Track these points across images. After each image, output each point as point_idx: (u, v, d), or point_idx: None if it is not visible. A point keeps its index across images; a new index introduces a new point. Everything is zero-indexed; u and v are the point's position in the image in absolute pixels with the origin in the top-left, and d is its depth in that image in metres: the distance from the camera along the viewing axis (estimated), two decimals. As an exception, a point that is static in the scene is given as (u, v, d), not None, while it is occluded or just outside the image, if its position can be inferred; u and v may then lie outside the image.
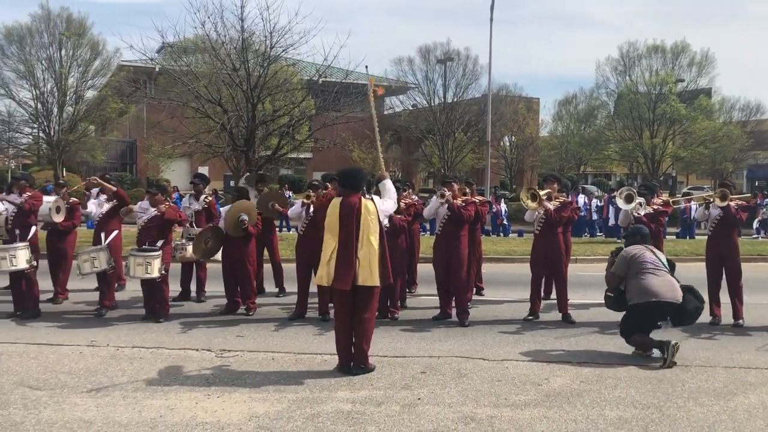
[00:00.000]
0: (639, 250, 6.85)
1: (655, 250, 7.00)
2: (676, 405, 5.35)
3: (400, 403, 5.32)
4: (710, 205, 8.72)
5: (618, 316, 7.07)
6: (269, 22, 17.23)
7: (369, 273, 6.05)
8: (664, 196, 10.05)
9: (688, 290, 6.79)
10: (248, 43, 17.86)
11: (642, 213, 8.27)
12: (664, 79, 39.10)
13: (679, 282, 6.77)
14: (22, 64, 31.52)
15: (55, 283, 9.54)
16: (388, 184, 6.66)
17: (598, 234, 22.71)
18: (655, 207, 8.46)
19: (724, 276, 8.62)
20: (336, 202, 6.24)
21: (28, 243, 8.50)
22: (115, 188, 9.17)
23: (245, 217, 8.67)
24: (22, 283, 8.49)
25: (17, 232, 8.59)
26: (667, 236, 16.02)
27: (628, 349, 7.03)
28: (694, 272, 12.27)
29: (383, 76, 39.94)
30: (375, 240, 6.11)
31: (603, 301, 7.29)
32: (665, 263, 6.90)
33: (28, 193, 8.91)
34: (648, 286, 6.58)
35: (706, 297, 8.74)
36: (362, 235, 6.07)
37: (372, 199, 6.27)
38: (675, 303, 6.61)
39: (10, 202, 8.84)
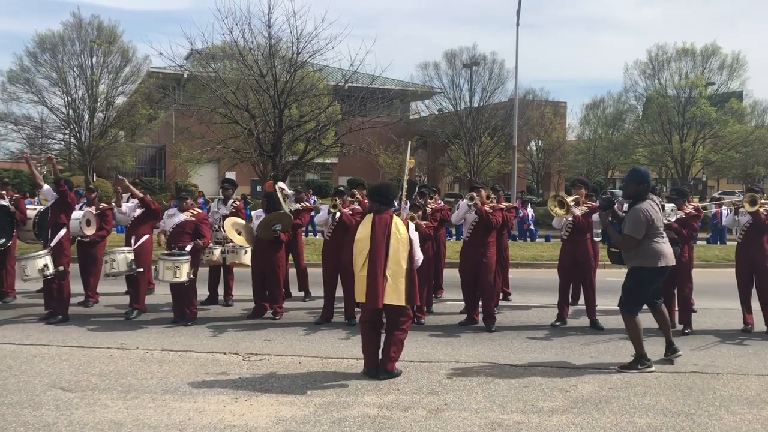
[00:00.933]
0: (654, 212, 6.46)
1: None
2: (708, 413, 5.26)
3: (427, 408, 5.31)
4: (739, 211, 8.57)
5: (646, 323, 6.97)
6: (296, 29, 17.41)
7: (396, 292, 6.05)
8: (695, 202, 9.88)
9: None
10: (275, 50, 18.03)
11: (673, 219, 8.12)
12: (694, 83, 38.52)
13: None
14: (55, 71, 32.15)
15: (86, 286, 9.69)
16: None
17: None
18: (686, 212, 8.31)
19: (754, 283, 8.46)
20: (368, 218, 6.26)
21: (47, 251, 8.52)
22: (142, 195, 9.25)
23: (279, 226, 8.77)
24: (52, 285, 8.64)
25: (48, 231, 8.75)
26: (697, 242, 15.79)
27: (659, 355, 6.93)
28: (725, 278, 12.08)
29: (408, 81, 40.14)
30: (404, 259, 6.11)
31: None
32: None
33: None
34: (661, 251, 6.46)
35: (737, 305, 8.63)
36: (391, 253, 6.08)
37: (406, 221, 6.35)
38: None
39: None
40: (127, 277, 8.97)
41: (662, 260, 6.39)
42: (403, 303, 6.10)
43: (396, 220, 6.21)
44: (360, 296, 6.17)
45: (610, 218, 6.76)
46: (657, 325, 6.96)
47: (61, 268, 8.55)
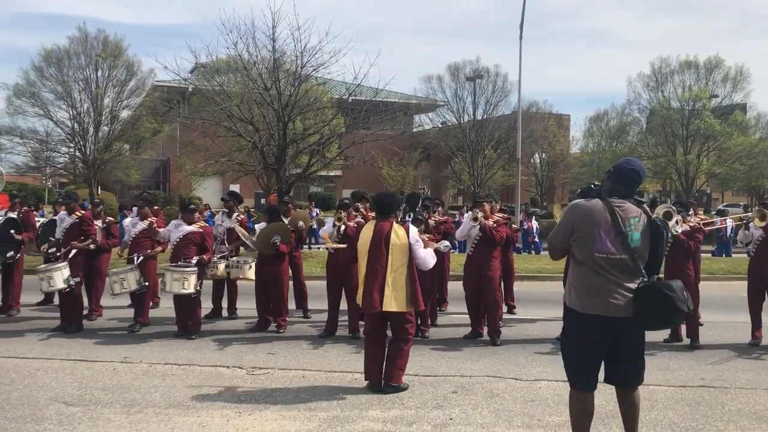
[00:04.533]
0: (588, 220, 4.31)
1: None
2: (716, 428, 5.21)
3: (432, 422, 5.26)
4: (749, 225, 8.52)
5: (652, 334, 6.91)
6: (300, 42, 17.46)
7: (396, 298, 6.04)
8: (701, 215, 9.83)
9: None
10: (280, 63, 18.09)
11: (680, 230, 8.08)
12: (698, 95, 38.49)
13: None
14: (60, 85, 32.31)
15: (90, 299, 9.68)
16: (431, 250, 6.52)
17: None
18: (691, 224, 8.27)
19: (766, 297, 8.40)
20: (369, 226, 6.28)
21: (67, 263, 8.69)
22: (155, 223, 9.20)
23: (278, 238, 8.75)
24: (66, 299, 8.72)
25: (61, 250, 8.90)
26: (702, 254, 15.73)
27: (666, 369, 6.88)
28: (731, 291, 11.99)
29: (412, 94, 40.23)
30: (404, 265, 6.11)
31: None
32: None
33: (79, 213, 9.20)
34: (592, 288, 4.85)
35: (743, 318, 8.57)
36: (391, 260, 6.08)
37: (406, 225, 6.30)
38: None
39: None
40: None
41: (586, 303, 4.20)
42: (404, 309, 6.09)
43: (395, 227, 6.19)
44: (359, 303, 6.21)
45: None
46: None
47: (78, 278, 8.76)
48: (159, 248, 9.12)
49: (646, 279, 4.16)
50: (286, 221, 9.75)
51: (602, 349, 4.24)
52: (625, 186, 4.27)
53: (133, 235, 9.24)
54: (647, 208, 4.28)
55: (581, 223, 4.24)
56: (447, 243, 7.59)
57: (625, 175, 4.28)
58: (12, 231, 9.87)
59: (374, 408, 5.62)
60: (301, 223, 9.62)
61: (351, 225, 8.75)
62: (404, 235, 6.18)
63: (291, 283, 10.31)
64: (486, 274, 8.36)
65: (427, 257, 6.31)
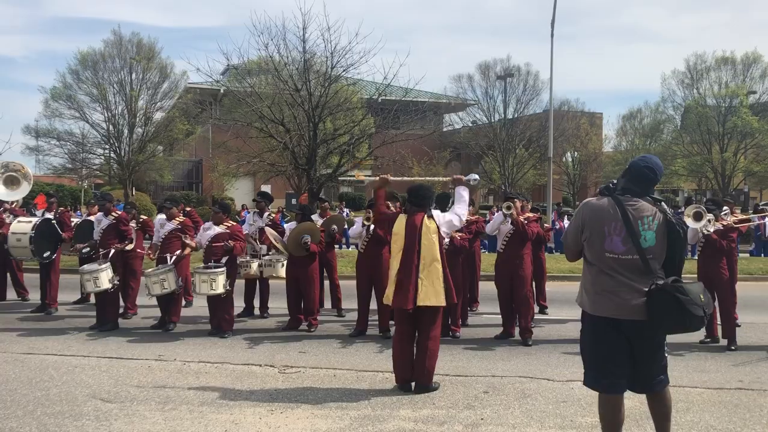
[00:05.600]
0: (597, 219, 4.23)
1: None
2: (754, 431, 5.09)
3: (463, 422, 5.24)
4: None
5: (688, 335, 6.79)
6: (330, 43, 17.55)
7: (432, 293, 6.02)
8: (738, 213, 9.62)
9: None
10: (310, 64, 18.20)
11: (711, 230, 7.93)
12: (735, 92, 37.71)
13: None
14: (96, 87, 32.96)
15: (125, 299, 9.84)
16: (461, 191, 6.50)
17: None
18: (724, 223, 8.10)
19: None
20: (402, 219, 6.26)
21: (110, 263, 8.87)
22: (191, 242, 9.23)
23: (308, 238, 8.80)
24: (105, 298, 8.93)
25: (101, 251, 9.12)
26: (740, 254, 15.41)
27: (703, 371, 6.76)
28: (771, 292, 11.70)
29: (442, 93, 40.11)
30: (438, 260, 6.09)
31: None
32: None
33: (116, 214, 9.40)
34: (602, 289, 4.39)
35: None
36: (424, 254, 6.06)
37: (433, 217, 6.25)
38: None
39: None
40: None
41: (597, 304, 4.13)
42: (440, 303, 6.07)
43: (426, 221, 6.15)
44: (389, 299, 6.16)
45: None
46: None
47: (119, 278, 9.00)
48: (188, 249, 9.21)
49: (660, 280, 3.99)
50: (320, 221, 9.84)
51: (619, 350, 4.10)
52: (639, 184, 4.13)
53: (163, 236, 9.30)
54: (665, 207, 4.11)
55: (591, 222, 4.14)
56: (476, 176, 7.27)
57: (639, 172, 4.14)
58: (55, 227, 10.11)
59: (405, 407, 5.62)
60: (334, 226, 9.70)
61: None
62: (435, 228, 6.16)
63: (326, 282, 10.38)
64: (518, 272, 8.31)
65: (457, 211, 6.38)
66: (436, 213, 6.35)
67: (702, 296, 3.97)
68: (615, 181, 4.29)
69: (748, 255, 20.31)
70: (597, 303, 4.12)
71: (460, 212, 6.43)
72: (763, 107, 39.12)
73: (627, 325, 4.04)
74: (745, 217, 9.62)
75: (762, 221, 19.85)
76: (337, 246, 11.71)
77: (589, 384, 4.27)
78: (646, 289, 3.98)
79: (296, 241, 8.84)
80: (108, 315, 8.97)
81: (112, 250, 9.07)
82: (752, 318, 9.63)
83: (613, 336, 4.08)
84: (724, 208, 8.69)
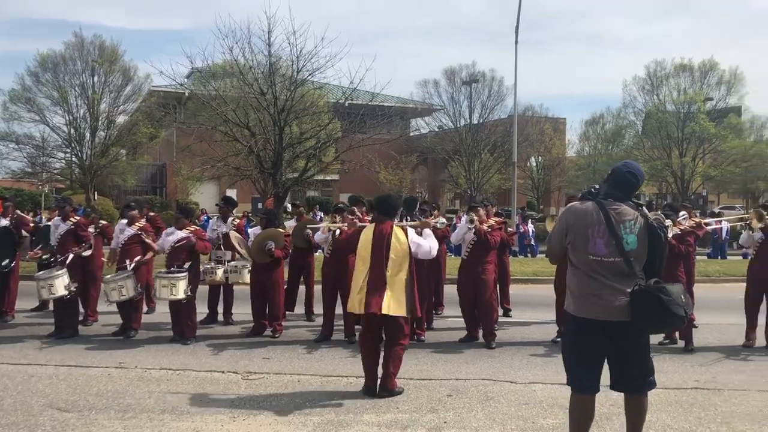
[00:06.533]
0: (580, 223, 4.31)
1: None
2: (709, 430, 5.22)
3: (426, 426, 5.27)
4: (752, 227, 8.53)
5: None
6: (296, 47, 17.54)
7: (397, 302, 6.04)
8: (695, 218, 9.85)
9: None
10: (275, 68, 18.15)
11: (670, 235, 8.11)
12: (693, 98, 38.65)
13: None
14: (56, 90, 32.32)
15: (85, 306, 9.66)
16: (428, 232, 6.56)
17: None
18: (682, 227, 8.30)
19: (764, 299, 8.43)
20: (370, 228, 6.27)
21: (66, 269, 8.65)
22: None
23: (272, 244, 8.76)
24: (63, 305, 8.71)
25: (58, 257, 8.86)
26: (698, 257, 15.78)
27: (661, 372, 6.86)
28: (726, 293, 12.04)
29: (408, 98, 40.29)
30: (404, 269, 6.11)
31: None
32: None
33: (74, 219, 9.16)
34: (585, 291, 4.50)
35: (738, 320, 8.59)
36: (391, 264, 6.07)
37: (404, 228, 6.28)
38: None
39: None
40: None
41: (581, 306, 4.22)
42: (404, 313, 6.08)
43: (396, 230, 6.19)
44: (354, 307, 6.14)
45: None
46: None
47: (77, 284, 8.76)
48: (150, 254, 9.07)
49: (642, 282, 4.09)
50: (292, 225, 9.85)
51: (599, 353, 4.20)
52: (621, 189, 4.24)
53: (122, 242, 9.13)
54: (646, 211, 4.22)
55: (575, 226, 4.22)
56: (443, 220, 7.37)
57: (621, 177, 4.26)
58: (12, 233, 9.85)
59: (369, 412, 5.62)
60: (308, 231, 9.64)
61: (346, 229, 8.75)
62: (404, 239, 6.17)
63: (302, 287, 10.31)
64: (481, 277, 8.38)
65: (431, 243, 6.35)
66: (411, 232, 6.34)
67: (683, 296, 4.10)
68: (597, 186, 4.39)
69: (705, 258, 20.82)
70: (581, 305, 4.20)
71: (434, 246, 6.41)
72: (719, 114, 40.15)
73: (611, 327, 4.12)
74: (702, 220, 9.85)
75: (719, 225, 20.39)
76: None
77: (572, 384, 4.32)
78: (629, 291, 4.08)
79: (260, 247, 8.79)
80: (66, 322, 8.78)
81: (71, 256, 8.88)
82: (708, 319, 9.86)
83: (596, 338, 4.17)
84: (682, 212, 8.89)
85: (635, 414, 4.33)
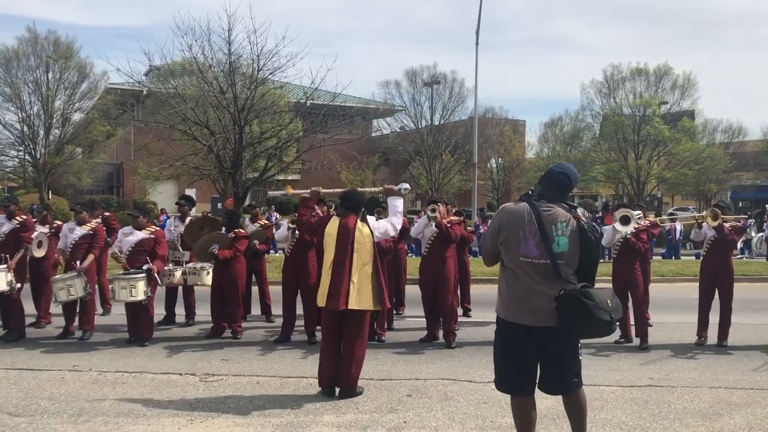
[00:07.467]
0: (512, 222, 4.26)
1: None
2: (662, 426, 5.34)
3: (386, 426, 5.27)
4: (702, 225, 8.75)
5: (606, 337, 7.03)
6: (256, 46, 17.35)
7: (363, 296, 6.04)
8: (651, 217, 10.08)
9: None
10: (235, 66, 17.94)
11: (629, 231, 8.33)
12: (648, 102, 39.48)
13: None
14: (8, 86, 31.36)
15: (38, 307, 9.41)
16: (395, 201, 6.55)
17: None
18: (636, 226, 8.49)
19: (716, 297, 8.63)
20: (334, 222, 6.25)
21: (7, 266, 8.40)
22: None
23: (215, 247, 8.73)
24: (5, 305, 8.43)
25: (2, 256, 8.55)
26: (653, 257, 16.14)
27: (617, 370, 7.03)
28: (680, 292, 12.35)
29: (370, 99, 40.30)
30: (369, 263, 6.12)
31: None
32: None
33: (20, 218, 8.87)
34: (514, 294, 4.46)
35: (691, 318, 8.82)
36: (356, 256, 6.07)
37: (366, 222, 6.28)
38: None
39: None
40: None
41: (510, 311, 4.19)
42: (371, 307, 6.09)
43: (359, 225, 6.20)
44: (322, 300, 6.12)
45: None
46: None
47: (20, 285, 8.53)
48: (90, 259, 8.75)
49: (569, 286, 4.02)
50: (251, 227, 9.85)
51: (528, 356, 4.15)
52: (554, 189, 4.20)
53: (72, 242, 8.91)
54: (578, 213, 4.19)
55: (506, 226, 4.16)
56: (407, 185, 7.21)
57: (554, 178, 4.24)
58: None
59: (328, 413, 5.60)
60: (256, 241, 9.65)
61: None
62: (368, 232, 6.19)
63: (255, 288, 10.22)
64: (441, 274, 8.42)
65: (391, 221, 6.44)
66: (370, 219, 6.40)
67: (609, 301, 4.04)
68: (533, 189, 4.40)
69: (660, 258, 21.29)
70: (510, 309, 4.17)
71: (395, 222, 6.49)
72: (673, 117, 41.12)
73: (538, 332, 4.09)
74: (656, 220, 10.09)
75: (673, 225, 20.90)
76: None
77: (500, 387, 4.33)
78: (556, 295, 4.04)
79: (204, 250, 8.79)
80: (12, 323, 8.51)
81: (17, 256, 8.60)
82: (663, 318, 10.09)
83: (524, 342, 4.14)
84: (637, 212, 9.08)
85: (574, 412, 4.33)
